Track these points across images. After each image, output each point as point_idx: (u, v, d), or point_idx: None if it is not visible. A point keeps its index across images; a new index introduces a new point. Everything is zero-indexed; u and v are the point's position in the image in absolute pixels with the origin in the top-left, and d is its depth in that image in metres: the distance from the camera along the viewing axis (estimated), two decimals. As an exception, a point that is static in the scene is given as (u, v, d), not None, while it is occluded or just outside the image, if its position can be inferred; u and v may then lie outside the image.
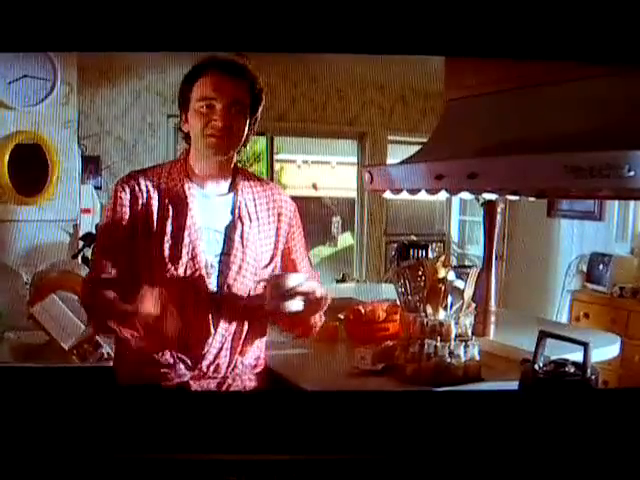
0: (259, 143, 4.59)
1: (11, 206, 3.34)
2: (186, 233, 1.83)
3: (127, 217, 1.84)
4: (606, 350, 2.59)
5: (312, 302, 1.86)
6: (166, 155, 4.20)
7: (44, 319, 2.61)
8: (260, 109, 1.90)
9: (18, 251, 3.26)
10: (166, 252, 1.82)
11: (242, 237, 1.89)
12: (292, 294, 1.81)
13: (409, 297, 2.29)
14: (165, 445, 1.89)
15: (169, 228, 1.83)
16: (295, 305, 1.82)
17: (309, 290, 1.84)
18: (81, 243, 3.28)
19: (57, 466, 1.83)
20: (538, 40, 1.93)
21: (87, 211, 3.61)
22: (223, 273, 1.87)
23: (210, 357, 1.88)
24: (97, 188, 3.86)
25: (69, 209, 3.49)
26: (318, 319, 1.97)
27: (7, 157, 3.30)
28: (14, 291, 3.09)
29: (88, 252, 3.20)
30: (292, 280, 1.82)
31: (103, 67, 3.88)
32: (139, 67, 3.97)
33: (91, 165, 3.96)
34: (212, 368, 1.89)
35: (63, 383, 2.07)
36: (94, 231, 3.33)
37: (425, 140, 3.07)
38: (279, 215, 1.97)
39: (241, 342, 1.91)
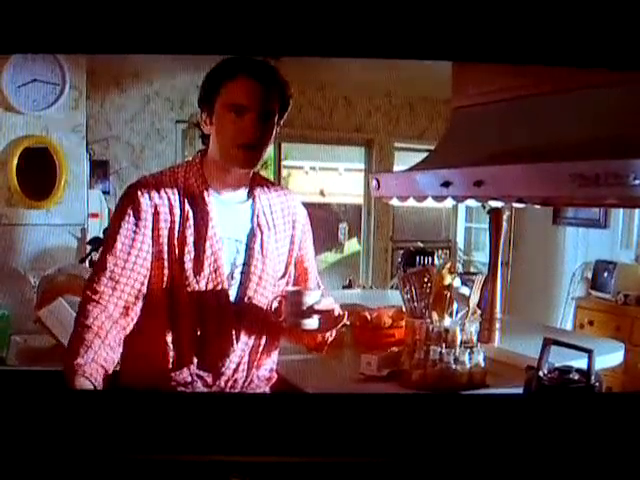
0: (266, 149, 4.59)
1: (19, 210, 3.34)
2: (208, 244, 1.72)
3: (147, 229, 1.70)
4: (610, 357, 2.59)
5: (329, 320, 1.78)
6: (174, 161, 4.17)
7: (51, 323, 2.61)
8: (285, 116, 1.76)
9: (26, 255, 3.26)
10: (187, 265, 1.71)
11: (262, 247, 1.79)
12: (310, 312, 1.75)
13: (415, 303, 2.30)
14: (170, 446, 1.88)
15: (190, 239, 1.72)
16: (313, 323, 1.75)
17: (328, 308, 1.76)
18: (89, 247, 3.29)
19: (63, 467, 1.83)
20: (548, 46, 1.93)
21: (95, 215, 3.60)
22: (244, 285, 1.77)
23: (229, 373, 1.80)
24: (105, 193, 3.87)
25: (77, 213, 3.46)
26: (329, 335, 1.88)
27: (16, 161, 3.30)
28: (21, 294, 3.11)
29: (96, 256, 3.21)
30: (311, 297, 1.75)
31: (112, 72, 3.90)
32: (148, 73, 3.99)
33: (99, 170, 3.98)
34: (230, 384, 1.81)
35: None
36: (102, 235, 3.34)
37: (432, 147, 3.09)
38: (294, 222, 1.87)
39: (258, 356, 1.83)
